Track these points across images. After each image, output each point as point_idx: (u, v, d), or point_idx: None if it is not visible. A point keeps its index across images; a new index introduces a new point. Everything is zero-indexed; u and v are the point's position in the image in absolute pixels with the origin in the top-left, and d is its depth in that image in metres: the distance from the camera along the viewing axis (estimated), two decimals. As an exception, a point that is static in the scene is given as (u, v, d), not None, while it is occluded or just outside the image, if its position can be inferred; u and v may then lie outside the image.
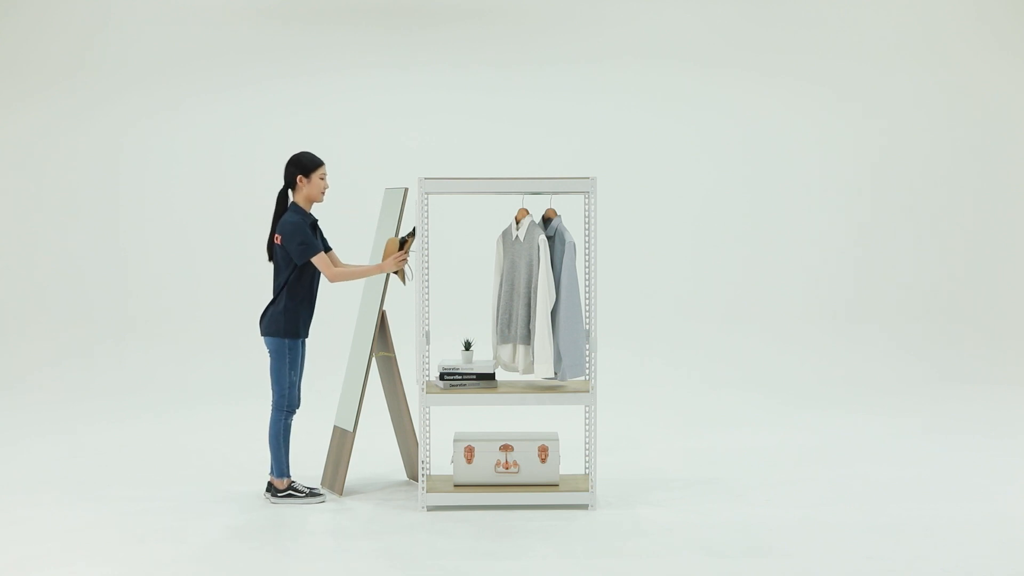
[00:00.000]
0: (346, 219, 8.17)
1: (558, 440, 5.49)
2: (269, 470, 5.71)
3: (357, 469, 6.09)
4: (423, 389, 5.33)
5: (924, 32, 9.67)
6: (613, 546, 4.78)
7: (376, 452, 6.51)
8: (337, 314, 8.00)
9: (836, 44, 9.64)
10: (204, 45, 9.57)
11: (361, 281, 6.47)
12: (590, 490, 5.34)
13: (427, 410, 5.34)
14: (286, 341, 5.36)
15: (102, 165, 9.59)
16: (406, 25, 9.59)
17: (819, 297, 9.64)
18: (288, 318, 5.35)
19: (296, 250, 5.29)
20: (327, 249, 5.56)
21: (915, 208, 9.68)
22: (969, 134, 9.68)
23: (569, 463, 6.04)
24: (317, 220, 5.51)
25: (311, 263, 5.35)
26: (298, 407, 5.50)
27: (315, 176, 5.40)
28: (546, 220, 5.50)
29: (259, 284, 9.64)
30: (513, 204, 6.26)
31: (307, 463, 6.14)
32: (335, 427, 5.86)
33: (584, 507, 5.35)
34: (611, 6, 9.62)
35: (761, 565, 4.52)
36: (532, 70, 9.62)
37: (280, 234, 5.34)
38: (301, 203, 5.43)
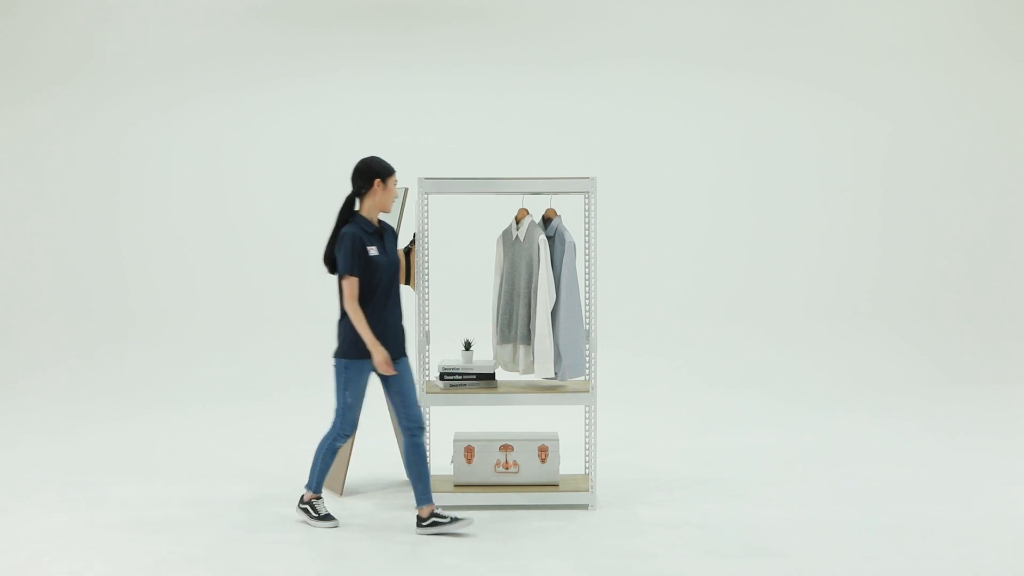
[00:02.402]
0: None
1: (558, 440, 5.49)
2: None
3: (357, 469, 6.09)
4: (423, 389, 5.33)
5: (924, 32, 9.66)
6: (613, 546, 4.78)
7: (376, 452, 6.51)
8: (337, 314, 7.98)
9: (836, 44, 9.63)
10: (204, 45, 9.56)
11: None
12: (590, 490, 5.34)
13: (427, 410, 5.34)
14: (343, 361, 5.02)
15: (102, 165, 9.58)
16: (406, 25, 9.58)
17: (820, 297, 9.64)
18: (344, 336, 5.03)
19: (339, 262, 4.98)
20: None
21: (916, 208, 9.68)
22: (969, 134, 9.68)
23: (569, 463, 6.03)
24: (384, 230, 5.10)
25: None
26: (351, 433, 5.10)
27: (391, 182, 5.04)
28: (546, 220, 5.49)
29: (259, 284, 9.64)
30: (513, 204, 6.26)
31: (307, 463, 6.13)
32: (335, 427, 5.85)
33: (584, 507, 5.34)
34: (611, 6, 9.61)
35: (761, 565, 4.52)
36: (532, 70, 9.61)
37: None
38: (367, 212, 5.05)
